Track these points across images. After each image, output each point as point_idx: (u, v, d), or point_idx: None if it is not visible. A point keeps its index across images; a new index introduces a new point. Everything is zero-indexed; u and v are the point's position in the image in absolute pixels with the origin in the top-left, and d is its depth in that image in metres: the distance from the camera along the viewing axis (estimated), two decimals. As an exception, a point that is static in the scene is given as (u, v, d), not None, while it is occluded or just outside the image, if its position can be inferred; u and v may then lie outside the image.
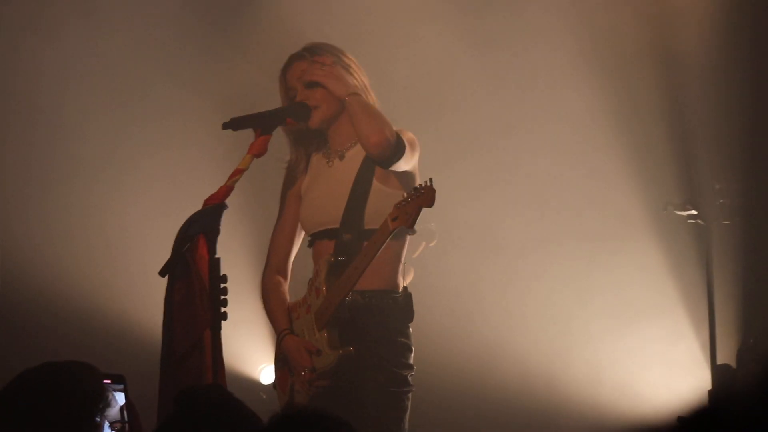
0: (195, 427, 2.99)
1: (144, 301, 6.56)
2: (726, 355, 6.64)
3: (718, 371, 6.49)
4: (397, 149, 4.50)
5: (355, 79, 4.69)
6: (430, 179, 4.40)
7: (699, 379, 6.80)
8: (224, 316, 4.36)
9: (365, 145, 4.53)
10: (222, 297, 4.36)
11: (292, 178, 4.84)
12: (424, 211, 4.26)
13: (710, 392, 6.41)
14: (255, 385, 6.81)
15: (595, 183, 7.04)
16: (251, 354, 6.75)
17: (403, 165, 4.56)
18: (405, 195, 4.32)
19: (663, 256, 6.96)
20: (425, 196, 4.27)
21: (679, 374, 6.86)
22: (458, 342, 7.08)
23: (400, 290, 4.65)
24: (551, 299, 7.05)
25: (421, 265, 6.37)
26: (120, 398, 3.60)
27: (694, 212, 6.68)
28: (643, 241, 6.97)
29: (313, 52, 4.74)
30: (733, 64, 6.81)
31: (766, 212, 6.81)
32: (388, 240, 4.37)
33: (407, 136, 4.63)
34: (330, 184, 4.71)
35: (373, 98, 4.73)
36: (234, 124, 4.61)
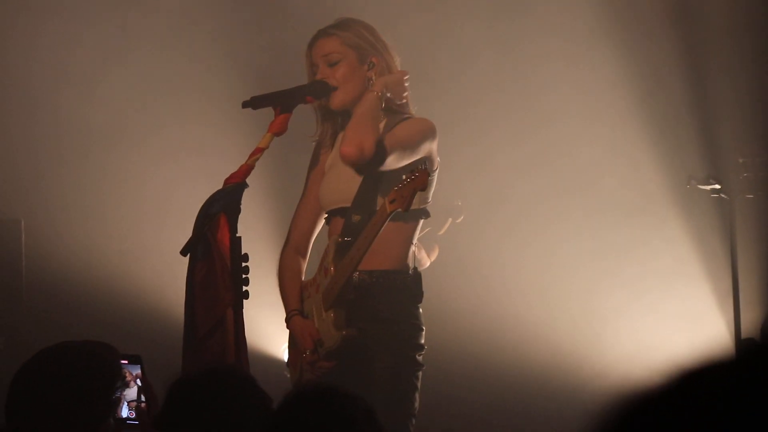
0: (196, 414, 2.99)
1: (164, 281, 6.57)
2: (750, 329, 6.62)
3: (742, 345, 6.46)
4: (370, 164, 4.47)
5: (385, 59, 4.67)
6: (425, 163, 4.37)
7: (723, 354, 6.76)
8: (246, 295, 4.37)
9: (340, 149, 4.54)
10: (243, 276, 4.37)
11: (317, 155, 4.83)
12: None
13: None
14: (278, 363, 6.83)
15: (617, 158, 7.01)
16: (275, 333, 6.76)
17: (393, 164, 4.54)
18: (403, 177, 4.30)
19: (686, 231, 6.93)
20: (419, 179, 4.25)
21: (703, 349, 6.83)
22: (480, 319, 7.08)
23: (410, 271, 4.64)
24: (574, 274, 7.04)
25: (447, 242, 6.37)
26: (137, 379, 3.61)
27: (717, 186, 6.64)
28: (666, 216, 6.94)
29: (342, 28, 4.70)
30: (757, 37, 6.76)
31: (790, 185, 6.77)
32: (387, 222, 4.35)
33: (416, 128, 4.57)
34: (345, 166, 4.69)
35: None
36: (254, 103, 4.61)
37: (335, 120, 4.78)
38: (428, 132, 4.60)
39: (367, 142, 4.45)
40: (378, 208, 4.42)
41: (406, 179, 4.27)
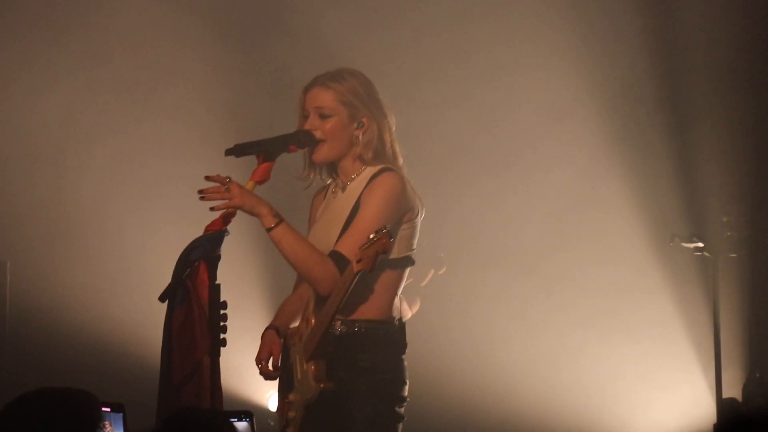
0: None
1: (145, 327, 6.56)
2: (732, 389, 6.62)
3: (724, 405, 6.46)
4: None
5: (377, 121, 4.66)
6: (385, 226, 4.34)
7: (705, 413, 6.77)
8: (223, 343, 4.36)
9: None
10: (222, 324, 4.36)
11: (312, 205, 4.85)
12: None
13: (715, 426, 6.38)
14: (263, 412, 6.81)
15: (602, 215, 7.04)
16: (260, 381, 6.77)
17: None
18: (370, 237, 4.30)
19: (669, 288, 6.95)
20: (380, 242, 4.25)
21: (684, 407, 6.82)
22: (463, 371, 7.07)
23: (395, 321, 4.62)
24: (558, 333, 7.04)
25: (430, 293, 6.38)
26: (119, 426, 3.60)
27: (700, 245, 6.66)
28: (649, 273, 6.96)
29: (339, 81, 4.69)
30: (742, 97, 6.81)
31: (773, 245, 6.81)
32: (355, 281, 4.35)
33: (381, 204, 4.57)
34: (331, 215, 4.70)
35: (391, 131, 4.70)
36: (237, 151, 4.61)
37: (322, 167, 4.79)
38: (393, 201, 4.58)
39: (326, 273, 4.47)
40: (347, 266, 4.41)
41: (372, 239, 4.27)
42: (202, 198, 4.53)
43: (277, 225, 4.51)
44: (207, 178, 4.55)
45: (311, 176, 4.79)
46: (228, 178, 4.53)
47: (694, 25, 6.90)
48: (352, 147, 4.67)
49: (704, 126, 6.89)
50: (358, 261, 4.29)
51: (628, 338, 6.95)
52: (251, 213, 4.53)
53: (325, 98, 4.67)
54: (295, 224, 4.74)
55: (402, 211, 4.59)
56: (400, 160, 4.72)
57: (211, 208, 4.53)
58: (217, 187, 4.52)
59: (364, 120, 4.67)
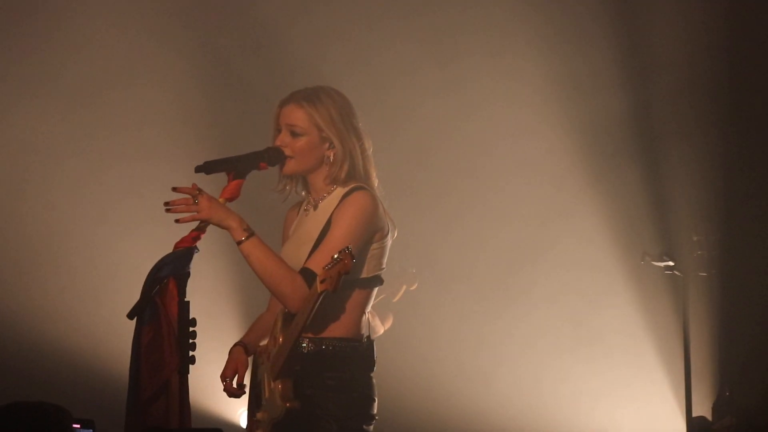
0: None
1: (116, 343, 6.55)
2: (702, 407, 6.65)
3: (693, 423, 6.49)
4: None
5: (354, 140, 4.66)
6: (348, 246, 4.33)
7: (674, 431, 6.80)
8: (192, 360, 4.35)
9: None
10: (191, 341, 4.35)
11: (286, 217, 4.85)
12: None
13: (685, 444, 6.42)
14: (235, 429, 6.81)
15: (572, 232, 7.06)
16: (231, 398, 6.78)
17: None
18: (334, 257, 4.29)
19: (640, 307, 6.98)
20: (342, 263, 4.25)
21: (654, 425, 6.85)
22: (434, 388, 7.08)
23: (364, 339, 4.63)
24: (526, 352, 7.06)
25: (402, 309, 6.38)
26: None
27: (671, 263, 6.70)
28: (620, 292, 6.99)
29: (314, 102, 4.69)
30: (712, 117, 6.86)
31: (743, 264, 6.84)
32: (320, 301, 4.34)
33: (349, 225, 4.57)
34: (302, 232, 4.70)
35: (365, 154, 4.70)
36: (207, 168, 4.60)
37: (297, 181, 4.79)
38: (364, 219, 4.59)
39: (302, 289, 4.46)
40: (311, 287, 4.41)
41: (335, 259, 4.27)
42: (168, 210, 4.49)
43: (247, 238, 4.49)
44: (175, 189, 4.52)
45: (287, 189, 4.79)
46: (198, 189, 4.50)
47: (666, 46, 6.95)
48: (322, 165, 4.68)
49: (675, 145, 6.93)
50: (322, 281, 4.29)
51: (598, 356, 6.98)
52: (220, 226, 4.51)
53: (297, 117, 4.67)
54: (267, 240, 4.74)
55: (373, 231, 4.60)
56: (375, 182, 4.73)
57: (177, 221, 4.51)
58: (185, 199, 4.49)
59: (336, 142, 4.67)
